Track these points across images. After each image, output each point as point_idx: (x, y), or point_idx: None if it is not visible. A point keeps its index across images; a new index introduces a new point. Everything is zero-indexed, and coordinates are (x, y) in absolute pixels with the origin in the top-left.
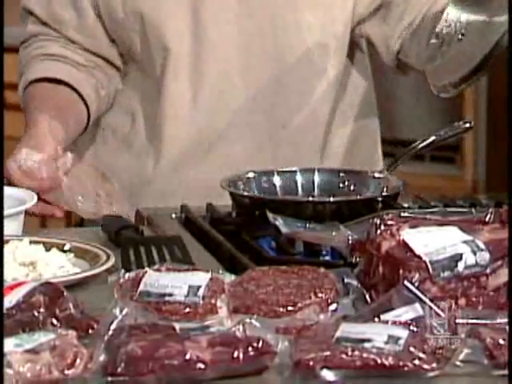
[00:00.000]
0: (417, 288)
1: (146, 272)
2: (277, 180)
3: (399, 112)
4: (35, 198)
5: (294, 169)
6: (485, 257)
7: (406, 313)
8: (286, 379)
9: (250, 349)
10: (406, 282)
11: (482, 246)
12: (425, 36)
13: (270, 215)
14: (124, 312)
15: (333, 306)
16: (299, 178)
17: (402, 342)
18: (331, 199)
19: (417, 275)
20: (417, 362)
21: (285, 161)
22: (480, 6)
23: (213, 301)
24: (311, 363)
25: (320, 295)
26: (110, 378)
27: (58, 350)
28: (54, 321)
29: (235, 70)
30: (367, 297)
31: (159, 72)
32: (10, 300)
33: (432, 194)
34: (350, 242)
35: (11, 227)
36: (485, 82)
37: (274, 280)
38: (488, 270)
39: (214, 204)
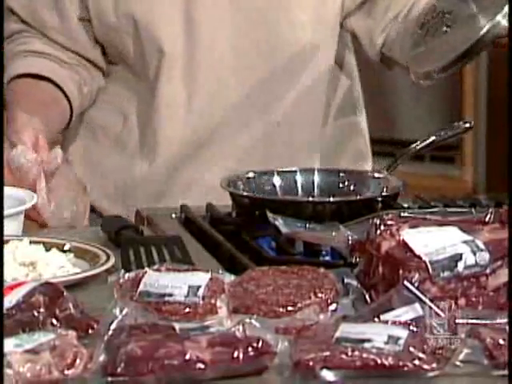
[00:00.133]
0: (417, 288)
1: (145, 272)
2: (277, 180)
3: (399, 112)
4: (35, 197)
5: (293, 169)
6: (485, 257)
7: (405, 313)
8: (286, 379)
9: (249, 349)
10: (405, 282)
11: (481, 246)
12: (409, 31)
13: (270, 215)
14: (124, 312)
15: (333, 306)
16: (299, 178)
17: (401, 342)
18: (331, 199)
19: (417, 275)
20: (417, 362)
21: (279, 159)
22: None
23: (213, 301)
24: (311, 363)
25: (320, 295)
26: (109, 378)
27: (57, 350)
28: (54, 321)
29: (229, 70)
30: (367, 297)
31: (153, 74)
32: (10, 300)
33: (432, 194)
34: (350, 242)
35: (11, 227)
36: (485, 82)
37: (274, 280)
38: (488, 270)
39: (213, 204)
